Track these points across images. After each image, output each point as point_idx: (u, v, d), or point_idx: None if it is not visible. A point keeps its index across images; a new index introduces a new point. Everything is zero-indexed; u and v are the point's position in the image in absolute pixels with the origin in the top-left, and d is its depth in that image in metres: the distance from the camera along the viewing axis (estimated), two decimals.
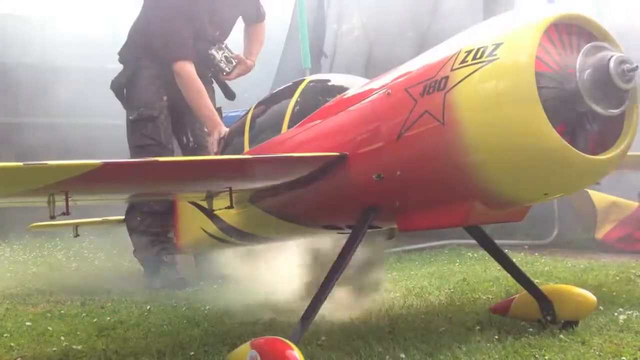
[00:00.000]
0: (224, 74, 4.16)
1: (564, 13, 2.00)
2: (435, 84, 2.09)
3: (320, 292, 2.40)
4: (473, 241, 5.23)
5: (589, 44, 1.96)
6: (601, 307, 2.94)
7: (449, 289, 3.69)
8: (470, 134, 2.00)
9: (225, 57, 4.13)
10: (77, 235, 4.38)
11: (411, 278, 4.17)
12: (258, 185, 2.67)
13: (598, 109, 1.94)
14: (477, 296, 3.49)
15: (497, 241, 4.96)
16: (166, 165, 2.18)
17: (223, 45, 4.17)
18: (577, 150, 1.94)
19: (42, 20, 7.81)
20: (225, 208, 2.69)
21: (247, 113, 3.32)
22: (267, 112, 3.21)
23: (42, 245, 6.03)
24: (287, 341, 2.16)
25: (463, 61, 2.03)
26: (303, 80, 3.08)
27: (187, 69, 3.86)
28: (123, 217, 4.31)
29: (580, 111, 1.97)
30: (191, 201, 3.72)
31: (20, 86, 7.50)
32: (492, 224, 2.41)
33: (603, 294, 3.22)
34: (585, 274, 4.03)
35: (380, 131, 2.29)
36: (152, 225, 4.14)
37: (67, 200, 2.30)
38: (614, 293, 3.34)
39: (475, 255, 4.93)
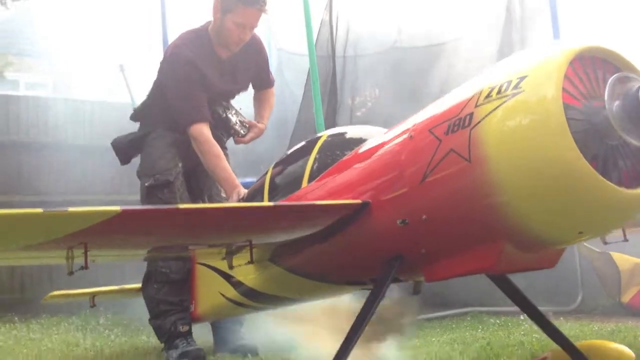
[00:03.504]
0: (239, 136, 4.21)
1: (587, 45, 1.99)
2: (459, 121, 2.06)
3: (341, 350, 2.34)
4: (495, 308, 5.18)
5: (615, 75, 1.93)
6: None
7: (472, 354, 3.59)
8: (498, 170, 1.95)
9: (240, 120, 4.20)
10: (93, 306, 4.35)
11: (432, 344, 4.06)
12: (279, 237, 2.64)
13: (631, 140, 1.90)
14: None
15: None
16: (186, 212, 2.18)
17: (237, 109, 4.23)
18: (612, 184, 1.87)
19: (65, 102, 8.04)
20: (246, 264, 2.67)
21: (265, 174, 3.33)
22: (286, 171, 3.21)
23: (59, 324, 5.97)
24: None
25: (487, 96, 2.00)
26: (321, 136, 3.10)
27: (204, 132, 3.91)
28: (140, 285, 4.27)
29: (612, 144, 1.93)
30: (209, 265, 3.71)
31: (22, 165, 7.62)
32: (524, 271, 2.31)
33: None
34: (612, 337, 3.91)
35: (403, 175, 2.25)
36: (169, 294, 4.08)
37: (85, 253, 2.29)
38: None
39: (498, 321, 4.81)
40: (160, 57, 4.36)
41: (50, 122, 7.78)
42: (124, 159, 4.29)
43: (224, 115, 4.18)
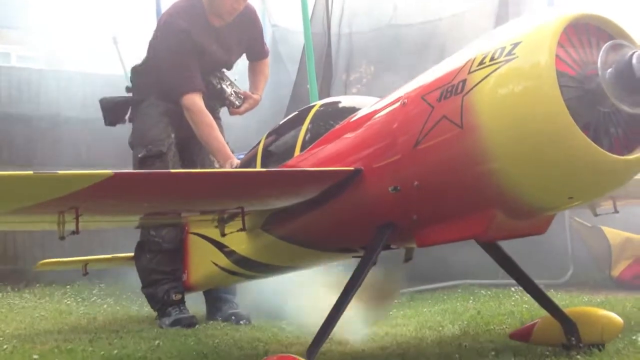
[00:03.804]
0: (234, 107, 4.20)
1: (581, 13, 1.98)
2: (452, 88, 2.06)
3: (333, 312, 2.37)
4: (486, 280, 5.22)
5: (608, 42, 1.93)
6: (619, 335, 2.88)
7: (463, 322, 3.63)
8: (490, 136, 1.95)
9: (235, 92, 4.19)
10: (85, 274, 4.37)
11: (424, 314, 4.11)
12: (270, 204, 2.65)
13: (624, 107, 1.90)
14: (492, 327, 3.42)
15: (509, 281, 4.92)
16: (178, 177, 2.18)
17: (232, 80, 4.22)
18: (603, 150, 1.88)
19: (58, 74, 7.98)
20: (238, 231, 2.68)
21: (258, 143, 3.33)
22: (279, 141, 3.20)
23: (52, 294, 5.99)
24: (301, 358, 2.13)
25: (481, 63, 2.00)
26: (314, 105, 3.09)
27: (197, 102, 3.90)
28: (132, 254, 4.29)
29: (604, 111, 1.93)
30: (202, 234, 3.72)
31: (13, 136, 7.58)
32: (515, 238, 2.32)
33: None
34: (601, 307, 3.94)
35: (396, 142, 2.25)
36: (161, 264, 4.11)
37: (77, 218, 2.29)
38: (632, 322, 3.27)
39: (489, 293, 4.86)
40: (154, 29, 4.34)
41: (41, 94, 7.74)
42: (109, 120, 4.26)
43: (219, 86, 4.17)
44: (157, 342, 3.36)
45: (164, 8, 5.68)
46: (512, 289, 4.70)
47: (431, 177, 2.17)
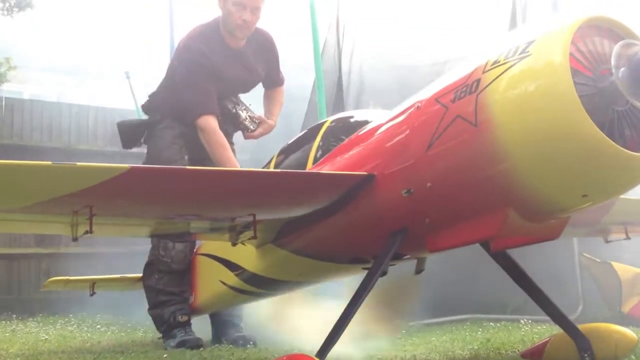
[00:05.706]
0: (249, 131, 4.24)
1: (593, 15, 2.01)
2: (466, 88, 2.07)
3: (343, 316, 2.35)
4: (496, 315, 5.14)
5: (620, 42, 1.95)
6: (633, 357, 2.83)
7: (473, 348, 3.57)
8: (504, 133, 1.95)
9: (250, 116, 4.22)
10: (93, 294, 4.34)
11: (432, 342, 4.04)
12: (282, 211, 2.64)
13: (638, 104, 1.91)
14: (503, 352, 3.37)
15: (519, 316, 4.84)
16: (192, 173, 2.19)
17: (247, 105, 4.26)
18: (618, 146, 1.88)
19: (70, 107, 8.09)
20: (249, 239, 2.68)
21: (269, 162, 3.34)
22: (290, 158, 3.21)
23: (55, 322, 5.94)
24: (312, 357, 2.10)
25: (495, 62, 2.02)
26: (325, 122, 3.11)
27: (211, 123, 3.94)
28: (140, 275, 4.27)
29: (618, 110, 1.94)
30: (211, 254, 3.71)
31: None
32: (528, 244, 2.25)
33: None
34: None
35: (409, 145, 2.26)
36: (169, 285, 4.08)
37: (91, 218, 2.29)
38: None
39: (498, 325, 4.79)
40: (167, 64, 4.44)
41: (54, 127, 7.84)
42: (127, 143, 4.30)
43: (234, 110, 4.20)
44: (165, 355, 3.32)
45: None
46: (522, 321, 4.64)
47: (444, 178, 2.17)
